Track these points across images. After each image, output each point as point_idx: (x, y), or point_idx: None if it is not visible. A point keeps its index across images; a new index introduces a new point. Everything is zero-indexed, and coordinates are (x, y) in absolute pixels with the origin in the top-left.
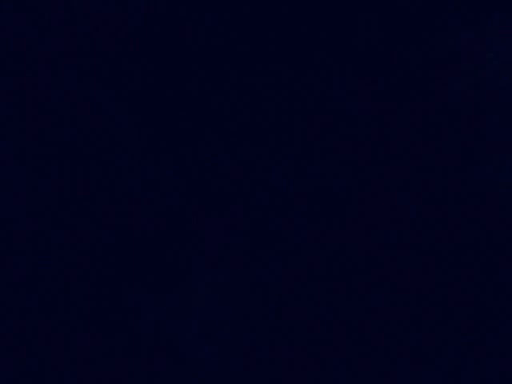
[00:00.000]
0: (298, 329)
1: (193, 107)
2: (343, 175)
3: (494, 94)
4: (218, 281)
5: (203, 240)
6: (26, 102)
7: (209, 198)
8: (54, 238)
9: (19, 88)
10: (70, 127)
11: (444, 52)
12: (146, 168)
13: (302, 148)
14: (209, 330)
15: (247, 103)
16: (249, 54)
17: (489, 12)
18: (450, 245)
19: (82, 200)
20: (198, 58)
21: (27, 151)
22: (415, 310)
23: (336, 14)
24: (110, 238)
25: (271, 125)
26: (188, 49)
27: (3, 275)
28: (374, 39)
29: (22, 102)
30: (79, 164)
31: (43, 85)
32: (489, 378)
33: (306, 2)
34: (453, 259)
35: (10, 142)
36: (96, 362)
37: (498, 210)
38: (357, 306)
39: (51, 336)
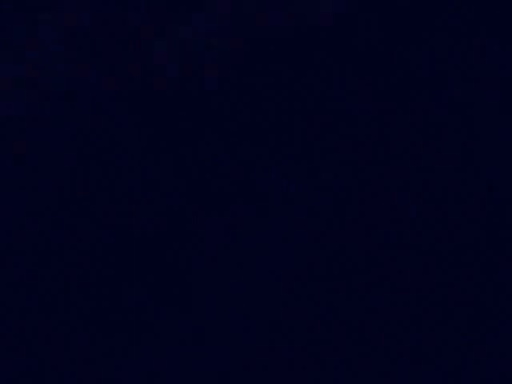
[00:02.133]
0: (298, 329)
1: (193, 107)
2: (343, 175)
3: (494, 93)
4: (217, 280)
5: (203, 240)
6: (26, 101)
7: (209, 197)
8: (54, 238)
9: (19, 88)
10: (70, 127)
11: (444, 52)
12: (146, 168)
13: (302, 148)
14: (209, 331)
15: (247, 103)
16: (249, 53)
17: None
18: (450, 245)
19: (82, 200)
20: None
21: (27, 151)
22: (415, 310)
23: (336, 14)
24: (110, 238)
25: (271, 125)
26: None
27: (3, 275)
28: (374, 39)
29: (22, 101)
30: (79, 164)
31: (43, 84)
32: (489, 378)
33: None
34: (453, 259)
35: (10, 143)
36: (96, 361)
37: (498, 210)
38: (357, 306)
39: (51, 336)
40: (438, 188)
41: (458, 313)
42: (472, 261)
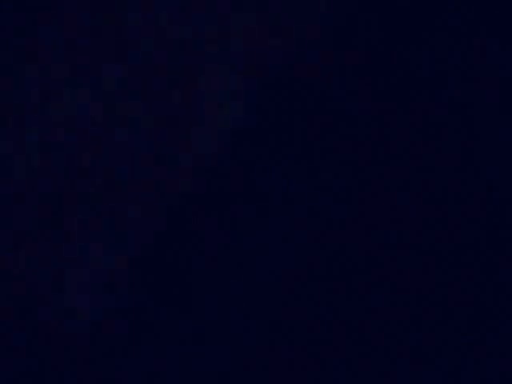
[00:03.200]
0: (298, 329)
1: (192, 106)
2: (343, 175)
3: (494, 93)
4: (217, 280)
5: (203, 240)
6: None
7: (209, 198)
8: (53, 237)
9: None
10: (69, 128)
11: (444, 52)
12: (146, 167)
13: (302, 148)
14: (209, 331)
15: (247, 103)
16: (248, 53)
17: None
18: (450, 245)
19: (81, 200)
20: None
21: (27, 150)
22: (415, 309)
23: (336, 14)
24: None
25: (271, 125)
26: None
27: (3, 275)
28: (374, 39)
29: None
30: (79, 163)
31: (42, 84)
32: (489, 377)
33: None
34: (453, 259)
35: (11, 143)
36: (96, 361)
37: (498, 209)
38: (357, 306)
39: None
40: (438, 188)
41: (458, 313)
42: (472, 261)
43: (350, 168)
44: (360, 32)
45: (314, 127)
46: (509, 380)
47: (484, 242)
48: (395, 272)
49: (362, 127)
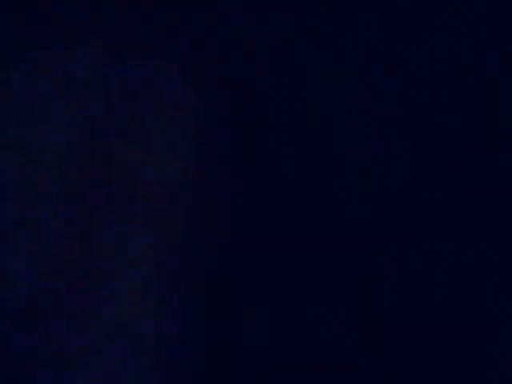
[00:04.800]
0: (298, 329)
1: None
2: (343, 175)
3: (494, 93)
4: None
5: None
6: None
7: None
8: (51, 238)
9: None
10: (69, 130)
11: (444, 52)
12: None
13: (302, 148)
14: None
15: (246, 103)
16: (247, 52)
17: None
18: (450, 244)
19: (82, 198)
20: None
21: (27, 152)
22: (415, 309)
23: (336, 13)
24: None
25: (271, 124)
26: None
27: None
28: (374, 39)
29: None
30: (79, 163)
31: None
32: (489, 377)
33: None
34: (453, 259)
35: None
36: None
37: (498, 209)
38: (356, 307)
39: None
40: (439, 188)
41: (458, 313)
42: (472, 261)
43: (350, 169)
44: (360, 32)
45: (312, 129)
46: (509, 380)
47: (484, 242)
48: (395, 272)
49: (362, 127)
